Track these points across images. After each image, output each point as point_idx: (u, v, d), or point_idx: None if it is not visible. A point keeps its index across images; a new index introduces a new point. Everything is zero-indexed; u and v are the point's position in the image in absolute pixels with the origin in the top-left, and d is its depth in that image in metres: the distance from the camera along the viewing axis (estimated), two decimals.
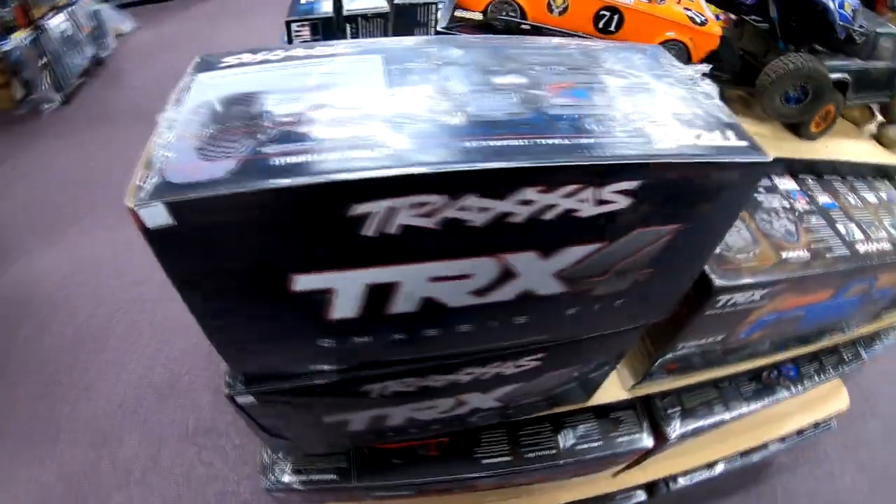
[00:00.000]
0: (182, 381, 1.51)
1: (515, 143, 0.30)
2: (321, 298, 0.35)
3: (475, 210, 0.30)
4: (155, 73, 2.55)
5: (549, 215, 0.33)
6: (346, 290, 0.34)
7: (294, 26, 0.57)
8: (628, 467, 0.95)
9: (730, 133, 0.38)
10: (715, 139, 0.37)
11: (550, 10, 0.60)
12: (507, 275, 0.37)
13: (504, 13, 0.61)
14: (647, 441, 0.81)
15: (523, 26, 0.63)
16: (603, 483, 1.01)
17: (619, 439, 0.80)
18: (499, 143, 0.29)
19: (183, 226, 0.28)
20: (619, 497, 1.06)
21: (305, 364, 0.44)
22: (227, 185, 0.27)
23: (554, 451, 0.77)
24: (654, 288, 0.47)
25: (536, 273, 0.37)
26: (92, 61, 2.47)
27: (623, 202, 0.35)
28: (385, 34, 0.58)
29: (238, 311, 0.37)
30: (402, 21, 0.58)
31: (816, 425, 1.18)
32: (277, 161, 0.28)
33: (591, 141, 0.32)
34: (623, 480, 1.03)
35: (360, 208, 0.28)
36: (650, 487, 1.10)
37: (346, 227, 0.29)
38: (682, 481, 1.11)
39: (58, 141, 2.19)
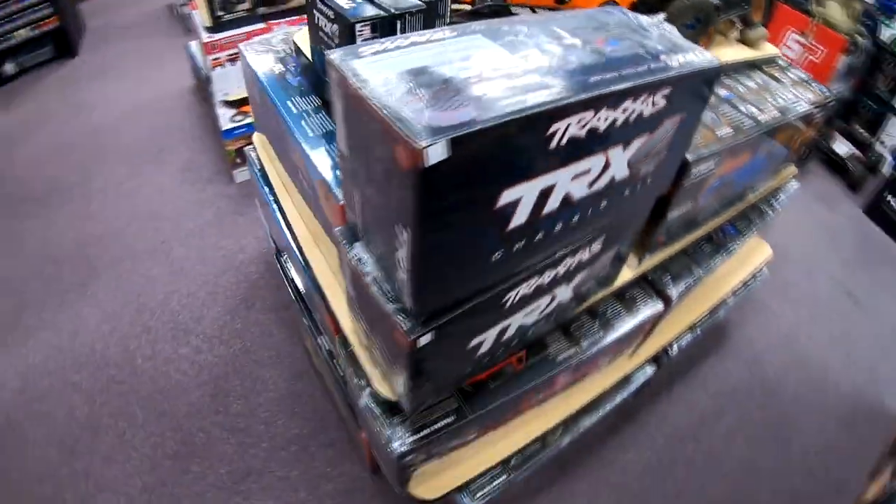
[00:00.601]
0: (197, 439, 1.54)
1: (615, 74, 0.53)
2: (509, 211, 0.55)
3: (603, 119, 0.53)
4: (31, 152, 2.38)
5: (631, 118, 0.57)
6: (527, 198, 0.55)
7: (358, 26, 0.72)
8: (643, 340, 1.25)
9: (697, 52, 0.65)
10: (692, 57, 0.64)
11: None
12: (606, 166, 0.60)
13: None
14: (659, 305, 1.11)
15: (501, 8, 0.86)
16: (624, 364, 1.31)
17: (640, 310, 1.09)
18: (608, 75, 0.53)
19: (455, 157, 0.43)
20: (636, 374, 1.36)
21: (476, 285, 0.63)
22: (487, 120, 0.44)
23: (601, 334, 1.04)
24: (666, 165, 0.74)
25: (619, 162, 0.62)
26: None
27: (662, 103, 0.60)
28: (423, 27, 0.76)
29: (454, 239, 0.54)
30: (429, 14, 0.76)
31: (754, 276, 1.58)
32: (503, 103, 0.47)
33: (645, 67, 0.56)
34: (637, 359, 1.33)
35: (555, 126, 0.49)
36: (656, 360, 1.41)
37: (542, 143, 0.50)
38: (675, 348, 1.45)
39: None
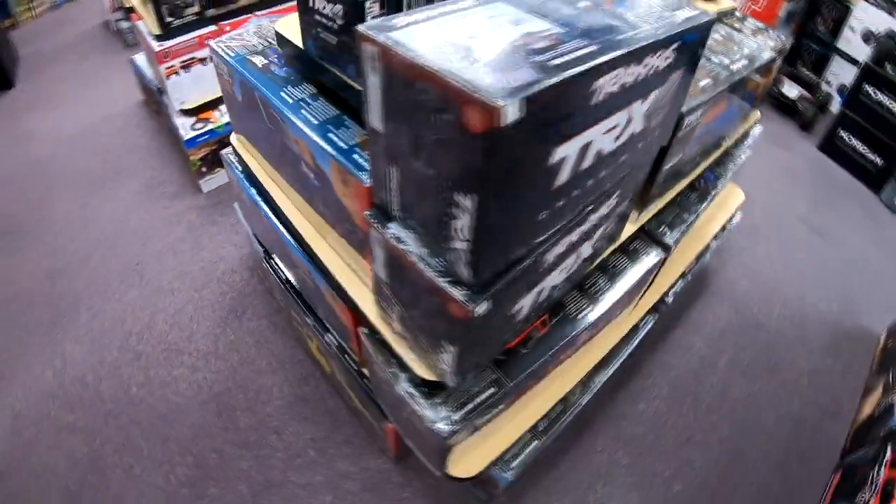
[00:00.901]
0: (209, 460, 1.53)
1: (634, 32, 0.60)
2: (555, 170, 0.60)
3: (631, 75, 0.59)
4: None
5: (650, 72, 0.64)
6: (571, 155, 0.60)
7: (367, 4, 0.73)
8: (646, 289, 1.35)
9: (688, 9, 0.73)
10: (686, 13, 0.71)
11: None
12: (629, 120, 0.67)
13: None
14: (660, 253, 1.20)
15: None
16: (630, 317, 1.40)
17: (644, 259, 1.18)
18: (627, 34, 0.59)
19: (529, 115, 0.47)
20: (641, 325, 1.47)
21: (525, 247, 0.68)
22: (549, 78, 0.48)
23: (613, 288, 1.12)
24: (668, 117, 0.81)
25: (638, 115, 0.69)
26: None
27: (672, 56, 0.67)
28: (427, 1, 0.79)
29: (512, 203, 0.58)
30: None
31: (731, 219, 1.72)
32: (553, 62, 0.51)
33: (655, 25, 0.63)
34: (639, 310, 1.43)
35: (597, 83, 0.55)
36: (655, 310, 1.52)
37: (587, 98, 0.55)
38: (671, 296, 1.56)
39: None
